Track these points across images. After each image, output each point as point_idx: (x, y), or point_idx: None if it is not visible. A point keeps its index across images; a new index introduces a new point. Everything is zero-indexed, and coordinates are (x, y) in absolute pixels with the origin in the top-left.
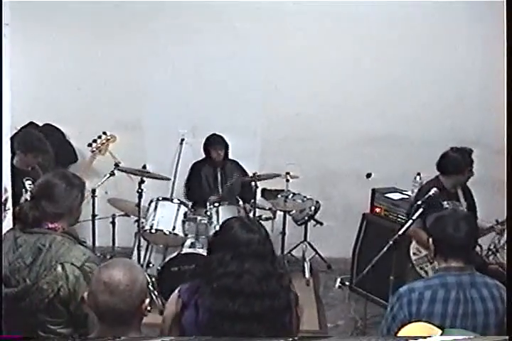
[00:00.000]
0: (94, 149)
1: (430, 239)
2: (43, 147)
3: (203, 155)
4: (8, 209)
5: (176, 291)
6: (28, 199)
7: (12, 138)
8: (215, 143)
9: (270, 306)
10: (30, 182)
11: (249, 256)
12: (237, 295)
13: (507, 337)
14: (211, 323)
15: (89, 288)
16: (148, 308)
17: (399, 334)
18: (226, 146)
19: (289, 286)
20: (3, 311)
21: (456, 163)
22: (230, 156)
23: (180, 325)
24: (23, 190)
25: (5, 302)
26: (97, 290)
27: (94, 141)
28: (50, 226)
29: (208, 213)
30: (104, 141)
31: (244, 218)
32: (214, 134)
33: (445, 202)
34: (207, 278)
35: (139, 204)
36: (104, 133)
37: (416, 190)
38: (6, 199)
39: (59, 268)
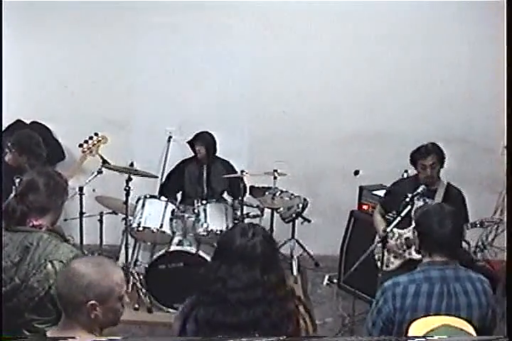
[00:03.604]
0: (85, 150)
1: (415, 233)
2: (39, 152)
3: (191, 153)
4: None
5: (182, 305)
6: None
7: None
8: (196, 139)
9: (261, 315)
10: (19, 180)
11: (238, 260)
12: (225, 302)
13: (507, 338)
14: (206, 333)
15: None
16: (95, 311)
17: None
18: (208, 143)
19: (287, 296)
20: None
21: (428, 147)
22: (218, 154)
23: None
24: (14, 187)
25: None
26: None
27: (86, 141)
28: (34, 223)
29: (196, 211)
30: (95, 142)
31: (248, 224)
32: (201, 131)
33: (415, 198)
34: (202, 288)
35: (126, 202)
36: (96, 134)
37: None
38: None
39: (49, 266)
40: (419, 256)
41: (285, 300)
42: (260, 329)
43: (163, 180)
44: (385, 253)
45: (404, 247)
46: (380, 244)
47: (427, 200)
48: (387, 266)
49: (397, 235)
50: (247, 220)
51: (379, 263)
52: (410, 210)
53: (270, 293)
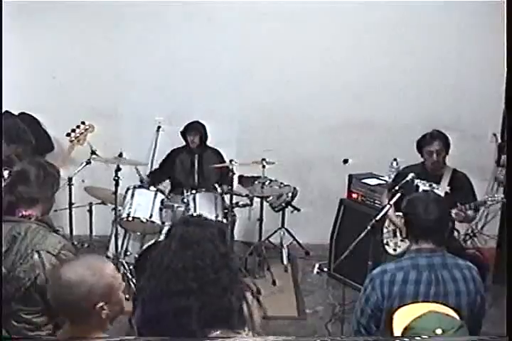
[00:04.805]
0: (73, 139)
1: (402, 221)
2: (27, 139)
3: (180, 143)
4: None
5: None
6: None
7: None
8: (189, 129)
9: (209, 280)
10: (8, 171)
11: (177, 240)
12: (166, 270)
13: (507, 338)
14: (153, 305)
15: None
16: (105, 311)
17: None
18: (202, 133)
19: (231, 268)
20: None
21: (433, 134)
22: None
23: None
24: (2, 179)
25: None
26: (49, 284)
27: (73, 130)
28: (24, 213)
29: (185, 200)
30: (82, 131)
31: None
32: (193, 121)
33: (421, 183)
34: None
35: (115, 192)
36: (83, 122)
37: (392, 176)
38: None
39: (35, 256)
40: None
41: (232, 270)
42: (208, 296)
43: (154, 168)
44: (392, 238)
45: None
46: (388, 229)
47: (434, 185)
48: (394, 250)
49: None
50: (236, 209)
51: (387, 247)
52: (401, 198)
53: (216, 263)
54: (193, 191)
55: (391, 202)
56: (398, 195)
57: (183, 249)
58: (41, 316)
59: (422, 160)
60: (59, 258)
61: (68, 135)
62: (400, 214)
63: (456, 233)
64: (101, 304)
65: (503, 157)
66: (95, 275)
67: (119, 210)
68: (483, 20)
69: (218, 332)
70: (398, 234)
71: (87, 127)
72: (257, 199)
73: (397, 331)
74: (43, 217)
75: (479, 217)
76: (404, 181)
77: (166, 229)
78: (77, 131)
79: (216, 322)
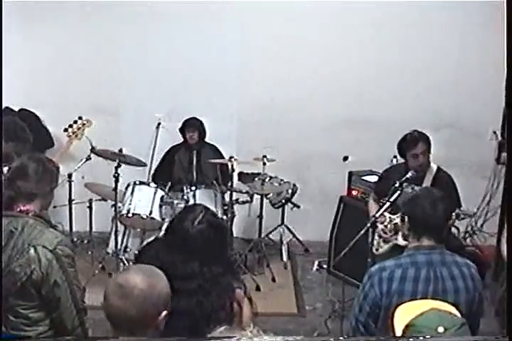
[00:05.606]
0: (71, 134)
1: (405, 218)
2: (26, 137)
3: (180, 139)
4: None
5: None
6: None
7: None
8: (187, 125)
9: (194, 305)
10: (7, 167)
11: (180, 246)
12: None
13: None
14: None
15: (105, 291)
16: (164, 319)
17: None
18: (200, 129)
19: (226, 288)
20: None
21: (415, 136)
22: (207, 140)
23: None
24: (2, 175)
25: None
26: (111, 292)
27: (70, 125)
28: (22, 208)
29: (185, 197)
30: (80, 126)
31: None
32: (190, 117)
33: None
34: None
35: (115, 189)
36: (80, 117)
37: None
38: None
39: (31, 251)
40: (404, 243)
41: (223, 292)
42: (192, 317)
43: (156, 167)
44: (376, 237)
45: (392, 232)
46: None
47: (415, 187)
48: (376, 250)
49: (388, 220)
50: (236, 206)
51: (372, 247)
52: (400, 196)
53: (207, 284)
54: (193, 188)
55: (391, 200)
56: (397, 193)
57: (176, 253)
58: (38, 311)
59: (402, 161)
60: (55, 253)
61: (66, 130)
62: (386, 214)
63: (455, 231)
64: (165, 313)
65: (504, 154)
66: (161, 282)
67: (119, 207)
68: (484, 20)
69: (222, 329)
70: (376, 234)
71: (85, 122)
72: (256, 196)
73: (399, 328)
74: (40, 213)
75: (479, 214)
76: (404, 178)
77: (165, 225)
78: (75, 126)
79: (195, 327)
